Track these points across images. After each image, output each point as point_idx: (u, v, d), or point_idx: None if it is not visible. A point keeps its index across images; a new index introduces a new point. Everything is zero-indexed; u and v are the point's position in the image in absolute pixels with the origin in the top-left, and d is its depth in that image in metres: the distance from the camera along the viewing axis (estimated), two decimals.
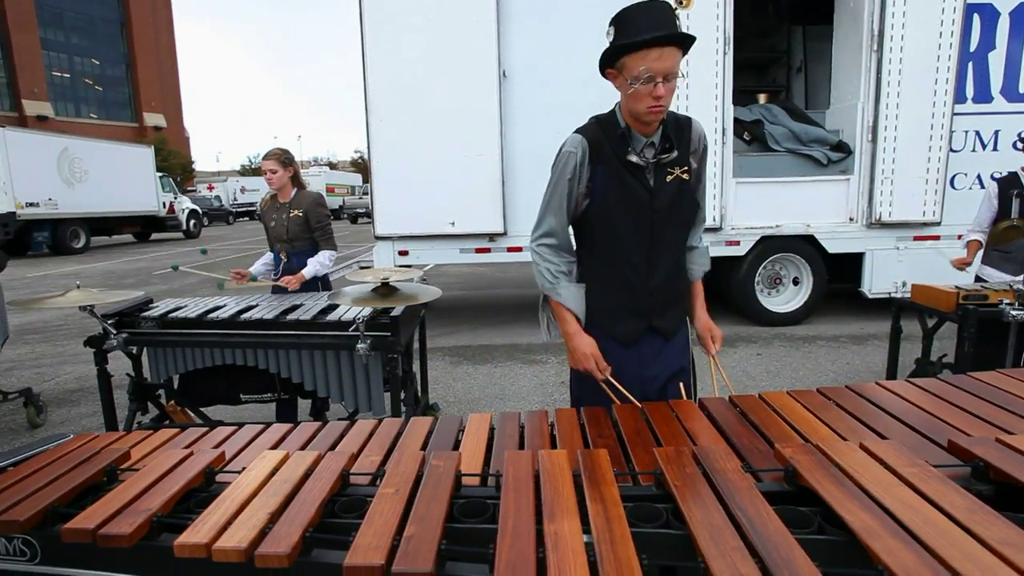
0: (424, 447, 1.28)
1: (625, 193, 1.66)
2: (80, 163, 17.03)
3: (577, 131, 1.72)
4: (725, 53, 5.88)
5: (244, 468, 1.09)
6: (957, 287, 3.33)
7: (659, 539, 0.89)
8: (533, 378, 4.91)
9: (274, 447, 1.27)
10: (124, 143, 21.11)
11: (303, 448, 1.26)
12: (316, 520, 0.92)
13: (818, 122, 6.73)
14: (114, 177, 18.13)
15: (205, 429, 1.47)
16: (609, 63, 1.61)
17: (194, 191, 34.38)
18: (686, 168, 1.71)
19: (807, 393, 1.47)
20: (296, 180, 3.77)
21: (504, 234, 6.19)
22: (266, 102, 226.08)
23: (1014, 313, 2.92)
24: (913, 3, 5.71)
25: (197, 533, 0.87)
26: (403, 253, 6.27)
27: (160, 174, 20.67)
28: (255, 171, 73.36)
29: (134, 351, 3.29)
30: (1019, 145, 4.49)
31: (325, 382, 3.06)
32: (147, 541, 0.92)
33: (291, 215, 3.70)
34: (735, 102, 6.17)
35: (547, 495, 0.94)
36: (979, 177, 6.19)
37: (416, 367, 3.52)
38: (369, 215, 6.46)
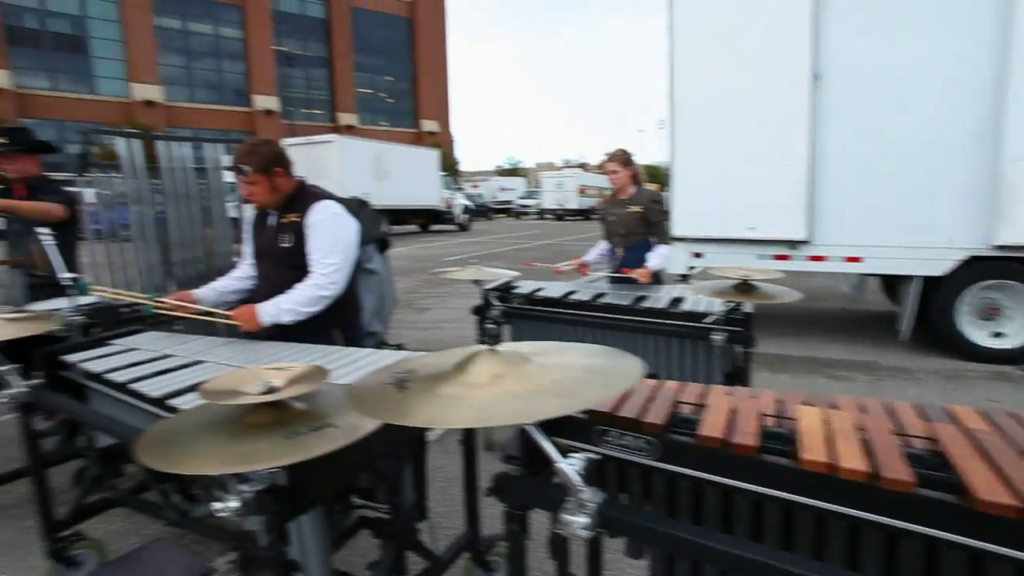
0: None
1: None
2: (385, 163, 20.37)
3: None
4: None
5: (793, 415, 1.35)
6: None
7: None
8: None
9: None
10: (416, 147, 24.72)
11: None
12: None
13: None
14: (409, 176, 21.35)
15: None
16: None
17: (460, 189, 38.56)
18: None
19: None
20: (635, 178, 4.09)
21: (807, 242, 5.95)
22: (520, 108, 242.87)
23: None
24: None
25: (815, 454, 1.15)
26: (697, 255, 6.38)
27: (443, 173, 23.77)
28: (509, 171, 79.50)
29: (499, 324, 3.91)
30: None
31: (666, 369, 3.35)
32: (756, 456, 1.23)
33: (629, 211, 4.05)
34: None
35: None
36: None
37: None
38: None
